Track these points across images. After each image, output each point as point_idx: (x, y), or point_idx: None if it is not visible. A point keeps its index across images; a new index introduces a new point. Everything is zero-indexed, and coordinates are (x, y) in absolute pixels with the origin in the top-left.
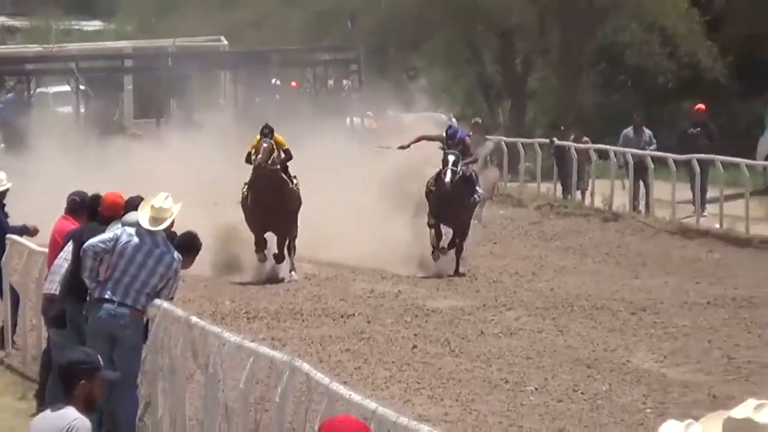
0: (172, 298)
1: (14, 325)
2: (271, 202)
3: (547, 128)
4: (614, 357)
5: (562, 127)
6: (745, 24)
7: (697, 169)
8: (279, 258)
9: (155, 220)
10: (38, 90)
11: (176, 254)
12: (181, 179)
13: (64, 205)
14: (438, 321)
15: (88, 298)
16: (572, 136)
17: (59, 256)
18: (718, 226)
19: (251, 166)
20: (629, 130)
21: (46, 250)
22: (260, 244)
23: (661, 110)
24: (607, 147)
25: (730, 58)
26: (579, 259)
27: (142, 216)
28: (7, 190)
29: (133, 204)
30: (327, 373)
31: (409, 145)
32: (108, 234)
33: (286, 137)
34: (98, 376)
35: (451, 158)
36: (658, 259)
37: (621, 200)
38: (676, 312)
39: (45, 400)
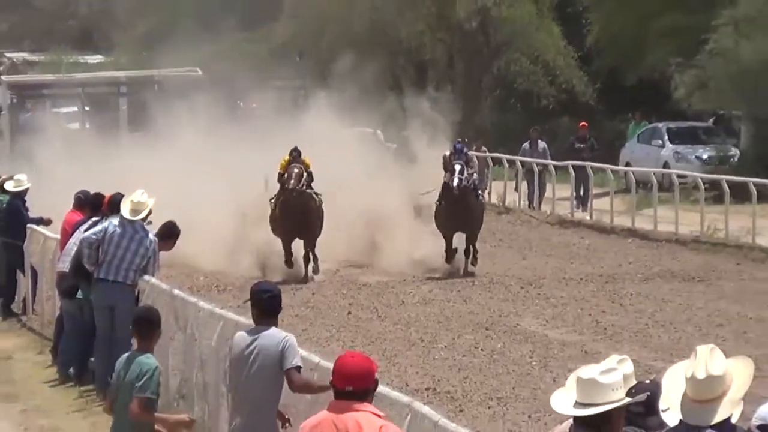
0: (154, 274)
1: (34, 296)
2: (299, 218)
3: (453, 141)
4: (507, 321)
5: (466, 140)
6: (608, 59)
7: (572, 173)
8: (306, 260)
9: (134, 212)
10: (52, 110)
11: (151, 237)
12: (162, 177)
13: (72, 200)
14: (368, 293)
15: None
16: (473, 147)
17: (69, 241)
18: (588, 217)
19: (279, 183)
20: (527, 143)
21: (59, 236)
22: (288, 252)
23: (544, 126)
24: (501, 155)
25: (598, 85)
26: (479, 244)
27: (124, 208)
28: (27, 189)
29: (116, 200)
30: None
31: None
32: (98, 227)
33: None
34: None
35: (457, 167)
36: (541, 244)
37: (512, 197)
38: (556, 286)
39: (57, 353)
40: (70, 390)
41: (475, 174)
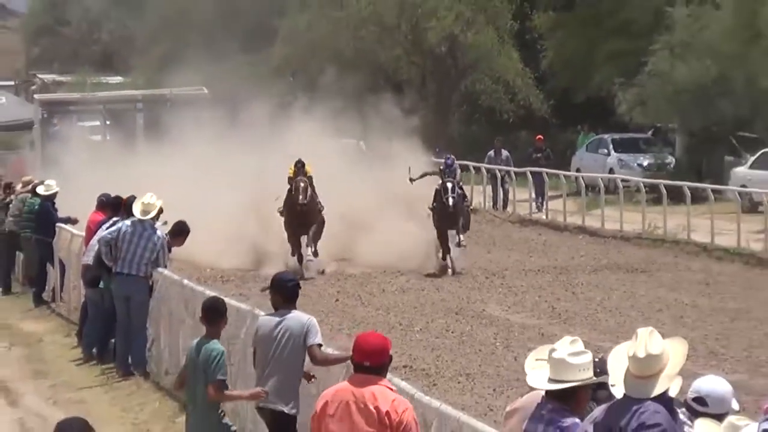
0: (166, 266)
1: (62, 286)
2: (304, 222)
3: (435, 152)
4: (474, 307)
5: (437, 149)
6: (561, 79)
7: (530, 179)
8: (313, 254)
9: (144, 212)
10: (78, 124)
11: (159, 233)
12: (173, 182)
13: (95, 202)
14: (353, 282)
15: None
16: (443, 155)
17: (92, 238)
18: (544, 217)
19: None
20: (492, 152)
21: (84, 234)
22: (294, 247)
23: (506, 137)
24: (468, 162)
25: (552, 102)
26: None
27: (135, 209)
28: (56, 193)
29: (129, 202)
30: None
31: (416, 180)
32: (113, 227)
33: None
34: None
35: (449, 185)
36: (504, 240)
37: (478, 200)
38: (516, 276)
39: (82, 336)
40: (93, 368)
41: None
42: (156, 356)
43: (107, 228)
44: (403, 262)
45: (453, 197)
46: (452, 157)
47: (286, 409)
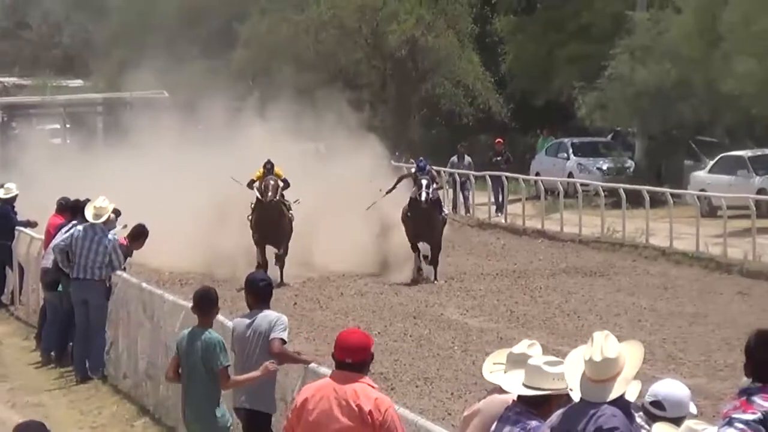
0: (124, 268)
1: (20, 289)
2: (272, 226)
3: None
4: (432, 311)
5: (397, 153)
6: (521, 83)
7: (489, 182)
8: (277, 261)
9: (97, 216)
10: (38, 127)
11: (110, 236)
12: (132, 184)
13: (55, 206)
14: (311, 285)
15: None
16: (403, 159)
17: (52, 242)
18: (504, 221)
19: (248, 189)
20: (454, 157)
21: (43, 237)
22: (261, 255)
23: (465, 141)
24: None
25: (512, 106)
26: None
27: (88, 213)
28: (16, 196)
29: (81, 205)
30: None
31: (393, 188)
32: (66, 234)
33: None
34: None
35: (424, 182)
36: (463, 243)
37: None
38: (475, 280)
39: (41, 339)
40: (52, 371)
41: (439, 189)
42: (114, 360)
43: (66, 231)
44: (360, 267)
45: (428, 192)
46: (425, 160)
47: (260, 409)
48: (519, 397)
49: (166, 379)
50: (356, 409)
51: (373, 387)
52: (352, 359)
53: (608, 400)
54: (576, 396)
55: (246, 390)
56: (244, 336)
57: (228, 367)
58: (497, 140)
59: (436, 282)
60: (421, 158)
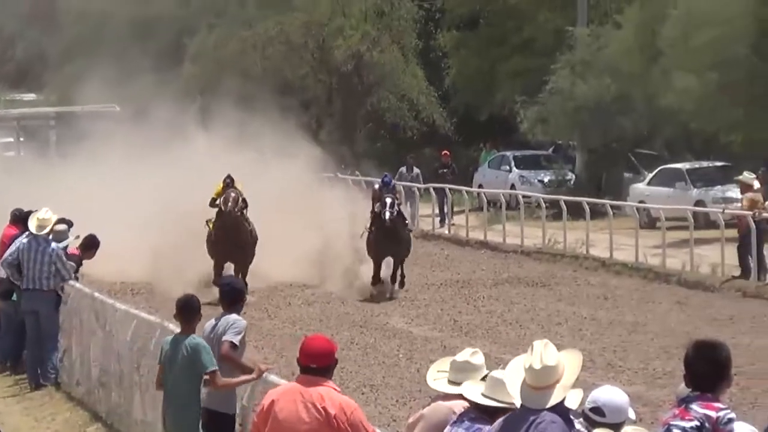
0: (71, 276)
1: None
2: (233, 240)
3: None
4: (378, 320)
5: (343, 166)
6: (464, 97)
7: (434, 195)
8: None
9: (40, 227)
10: None
11: (53, 245)
12: (84, 195)
13: (9, 217)
14: (260, 295)
15: None
16: (349, 172)
17: (6, 253)
18: (447, 232)
19: (212, 208)
20: (403, 168)
21: None
22: (218, 272)
23: (410, 154)
24: (373, 179)
25: (455, 120)
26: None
27: (31, 224)
28: None
29: (24, 216)
30: None
31: (374, 208)
32: (12, 247)
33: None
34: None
35: (388, 200)
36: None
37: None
38: (420, 290)
39: None
40: (6, 378)
41: (401, 204)
42: (68, 367)
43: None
44: (304, 277)
45: (392, 211)
46: (389, 175)
47: (222, 410)
48: (474, 404)
49: (156, 387)
50: (322, 411)
51: (337, 391)
52: (317, 364)
53: (548, 406)
54: (517, 402)
55: (210, 390)
56: (208, 338)
57: (216, 371)
58: (444, 152)
59: (392, 295)
60: (386, 174)
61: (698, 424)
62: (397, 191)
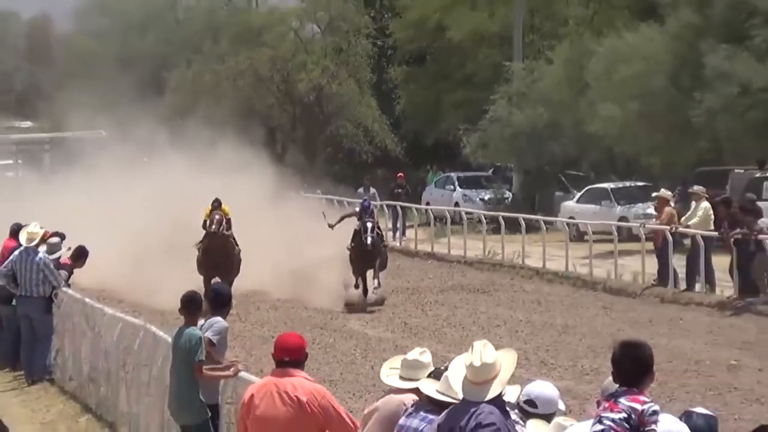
0: (69, 285)
1: None
2: (219, 258)
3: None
4: (337, 323)
5: (306, 185)
6: (413, 124)
7: (386, 211)
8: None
9: (29, 240)
10: None
11: (40, 255)
12: (74, 211)
13: (8, 231)
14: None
15: None
16: (311, 191)
17: (5, 263)
18: (398, 244)
19: (203, 230)
20: (361, 189)
21: None
22: (207, 286)
23: (369, 175)
24: (333, 197)
25: (405, 144)
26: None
27: (21, 237)
28: None
29: (16, 230)
30: (166, 333)
31: (335, 225)
32: (8, 260)
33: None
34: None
35: (369, 225)
36: None
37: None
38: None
39: None
40: (6, 374)
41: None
42: (61, 364)
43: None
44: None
45: (372, 236)
46: (369, 200)
47: (204, 399)
48: (428, 398)
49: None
50: (295, 399)
51: (308, 380)
52: (290, 357)
53: (486, 399)
54: (459, 396)
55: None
56: None
57: (202, 362)
58: (399, 174)
59: (378, 286)
60: (366, 198)
61: (626, 415)
62: (375, 214)
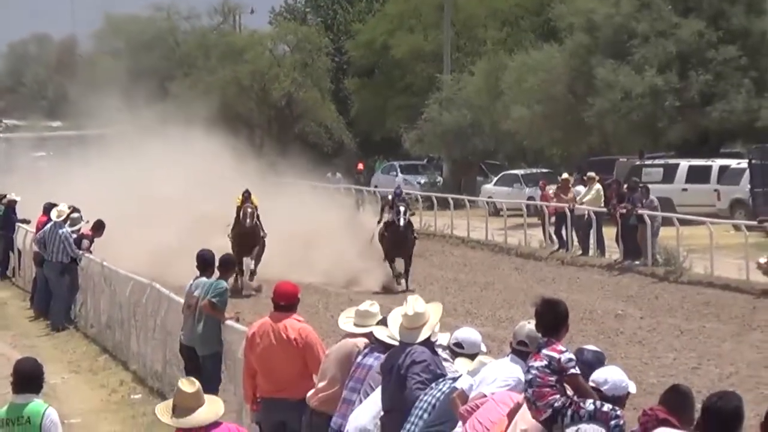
0: (91, 251)
1: (19, 266)
2: (249, 245)
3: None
4: (302, 281)
5: (277, 173)
6: (364, 124)
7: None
8: (251, 275)
9: (58, 215)
10: (32, 154)
11: (63, 230)
12: (95, 194)
13: (41, 208)
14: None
15: None
16: (283, 177)
17: (38, 233)
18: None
19: (237, 215)
20: (329, 174)
21: (34, 230)
22: (240, 268)
23: (330, 163)
24: (305, 181)
25: (358, 140)
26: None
27: (52, 214)
28: (16, 202)
29: (48, 207)
30: (169, 290)
31: (381, 217)
32: (41, 231)
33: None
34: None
35: (402, 208)
36: (326, 234)
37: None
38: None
39: (33, 301)
40: (41, 323)
41: (411, 215)
42: (84, 315)
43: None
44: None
45: (405, 218)
46: (401, 186)
47: (206, 351)
48: (380, 342)
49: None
50: (287, 337)
51: (299, 320)
52: (284, 302)
53: (418, 341)
54: (396, 339)
55: (190, 330)
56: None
57: (218, 306)
58: (359, 164)
59: (408, 288)
60: (398, 186)
61: (547, 362)
62: (408, 202)
